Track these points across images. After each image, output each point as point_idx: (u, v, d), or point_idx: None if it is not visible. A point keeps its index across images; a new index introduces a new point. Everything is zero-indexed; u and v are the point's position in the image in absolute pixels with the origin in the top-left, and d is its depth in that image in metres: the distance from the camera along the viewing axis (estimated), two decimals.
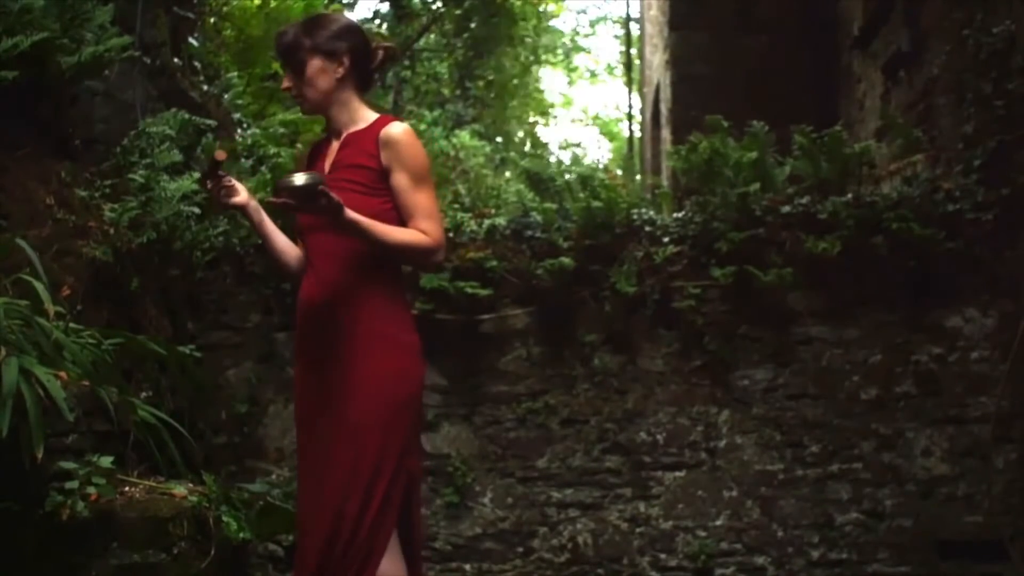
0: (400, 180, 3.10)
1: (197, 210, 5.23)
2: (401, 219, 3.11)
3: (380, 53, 3.29)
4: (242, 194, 3.27)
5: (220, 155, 3.18)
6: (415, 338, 3.18)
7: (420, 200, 3.10)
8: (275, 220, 3.41)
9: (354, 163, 3.14)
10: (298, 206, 2.91)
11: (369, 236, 3.01)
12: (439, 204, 3.21)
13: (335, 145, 3.23)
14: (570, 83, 21.76)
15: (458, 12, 13.38)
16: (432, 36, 13.72)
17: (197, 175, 5.19)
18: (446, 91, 14.44)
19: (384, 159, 3.11)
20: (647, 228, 5.61)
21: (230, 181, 3.24)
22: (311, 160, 3.32)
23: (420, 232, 3.08)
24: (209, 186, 3.22)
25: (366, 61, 3.25)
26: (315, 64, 3.16)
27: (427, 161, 3.18)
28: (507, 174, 12.30)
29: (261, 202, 3.35)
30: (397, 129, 3.13)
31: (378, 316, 3.11)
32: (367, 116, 3.22)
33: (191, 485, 3.92)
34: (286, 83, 3.23)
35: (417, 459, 3.21)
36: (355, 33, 3.25)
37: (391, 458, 3.02)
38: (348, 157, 3.17)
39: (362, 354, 3.06)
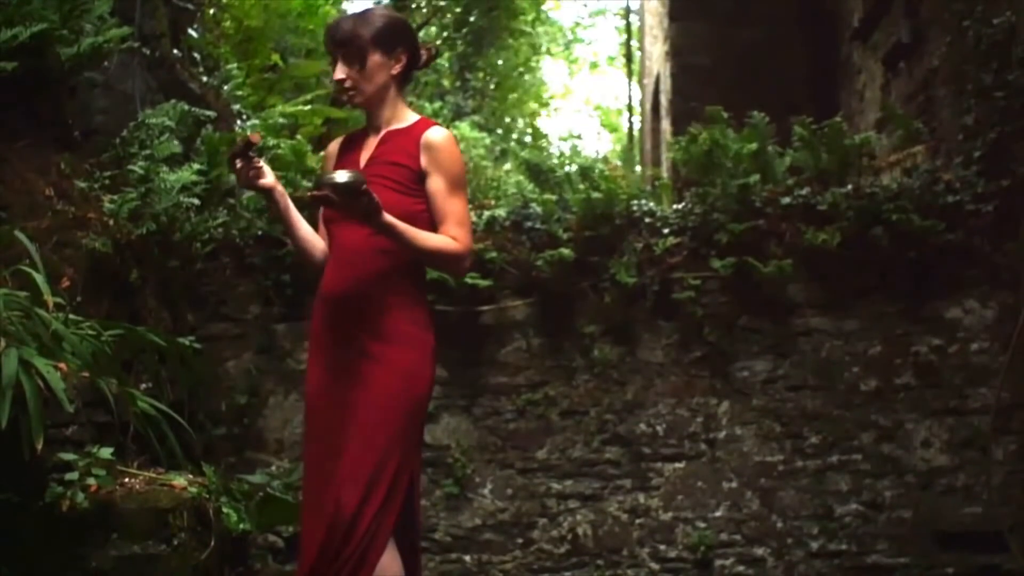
0: (436, 185, 3.13)
1: (196, 201, 5.23)
2: (432, 223, 3.14)
3: (425, 54, 3.34)
4: (269, 177, 3.27)
5: (255, 137, 3.20)
6: (431, 337, 3.20)
7: (454, 206, 3.13)
8: (301, 210, 3.41)
9: (392, 160, 3.16)
10: (339, 203, 2.91)
11: (402, 239, 3.03)
12: (470, 212, 3.24)
13: (373, 140, 3.25)
14: (570, 74, 21.74)
15: (458, 10, 13.36)
16: (432, 28, 13.69)
17: (196, 167, 5.19)
18: (446, 83, 14.41)
19: (424, 162, 3.14)
20: (647, 219, 5.61)
21: (259, 163, 3.24)
22: (344, 152, 3.33)
23: (450, 238, 3.11)
24: (237, 166, 3.22)
25: (415, 61, 3.29)
26: (376, 58, 3.18)
27: (464, 169, 3.23)
28: (507, 165, 12.28)
29: (293, 196, 3.35)
30: (440, 134, 3.18)
31: (397, 313, 3.12)
32: (408, 116, 3.26)
33: (191, 476, 3.93)
34: (339, 73, 3.19)
35: (419, 457, 3.23)
36: (410, 32, 3.33)
37: (396, 455, 3.03)
38: (386, 154, 3.18)
39: (378, 350, 3.08)
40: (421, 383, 3.15)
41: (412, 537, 3.19)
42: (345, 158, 3.29)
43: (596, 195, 5.53)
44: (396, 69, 3.21)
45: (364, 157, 3.22)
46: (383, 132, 3.24)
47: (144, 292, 5.05)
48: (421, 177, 3.14)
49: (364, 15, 3.25)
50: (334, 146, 3.42)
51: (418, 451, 3.21)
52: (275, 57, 7.98)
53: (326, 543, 2.99)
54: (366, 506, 2.97)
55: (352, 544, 2.96)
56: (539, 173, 6.06)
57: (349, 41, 3.18)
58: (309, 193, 3.01)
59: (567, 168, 5.99)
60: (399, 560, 3.07)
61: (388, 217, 2.97)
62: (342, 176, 2.91)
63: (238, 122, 6.64)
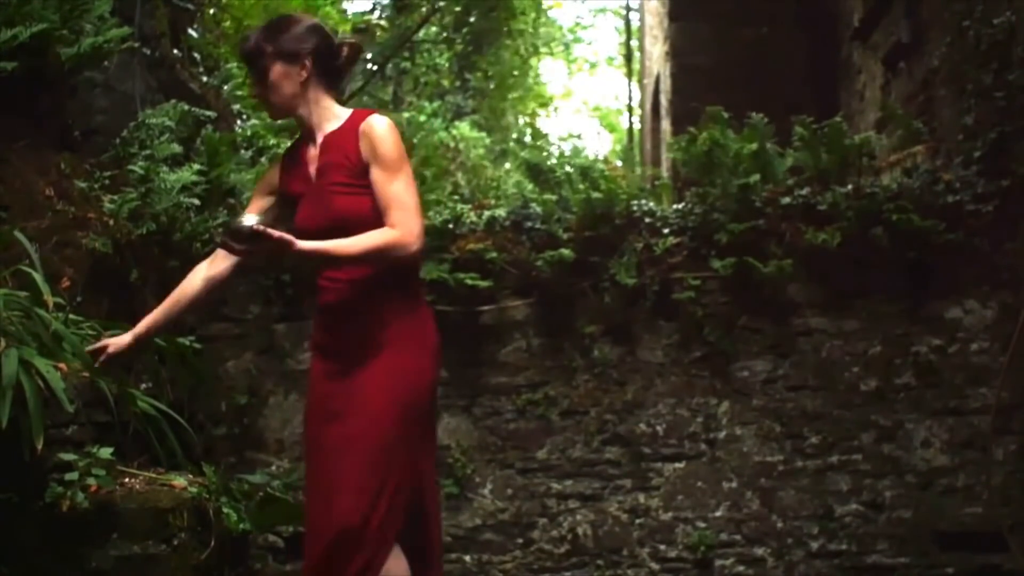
0: (376, 174, 3.07)
1: (196, 201, 5.23)
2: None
3: (344, 50, 3.27)
4: (112, 345, 3.40)
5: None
6: (431, 336, 3.17)
7: (393, 192, 3.04)
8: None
9: (337, 164, 3.11)
10: (244, 250, 2.88)
11: (330, 257, 2.99)
12: (416, 195, 3.11)
13: (314, 150, 3.20)
14: (570, 74, 21.74)
15: (457, 8, 13.35)
16: (432, 28, 13.69)
17: (197, 167, 5.19)
18: (446, 82, 14.41)
19: (364, 152, 3.08)
20: (647, 219, 5.61)
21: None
22: (288, 165, 3.28)
23: (388, 228, 3.02)
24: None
25: (330, 60, 3.22)
26: (277, 69, 3.14)
27: (402, 151, 3.11)
28: (507, 165, 12.30)
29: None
30: (372, 122, 3.11)
31: (393, 314, 3.09)
32: (340, 113, 3.21)
33: (191, 476, 3.92)
34: (253, 91, 3.22)
35: (429, 460, 3.19)
36: (316, 33, 3.22)
37: (399, 459, 3.00)
38: (331, 159, 3.14)
39: (376, 353, 3.06)
40: (422, 383, 3.11)
41: (428, 543, 3.16)
42: (292, 172, 3.25)
43: (596, 195, 5.53)
44: (303, 75, 3.15)
45: (313, 170, 3.18)
46: (322, 138, 3.18)
47: (144, 292, 5.04)
48: (365, 169, 3.08)
49: (267, 27, 3.23)
50: (276, 166, 3.38)
51: (428, 450, 3.17)
52: None
53: (331, 552, 2.96)
54: (371, 514, 2.94)
55: (358, 554, 2.93)
56: (539, 173, 6.05)
57: (251, 57, 3.17)
58: (219, 242, 2.98)
59: (567, 168, 5.98)
60: (404, 561, 3.05)
61: (305, 245, 2.92)
62: (235, 224, 2.88)
63: (238, 122, 6.65)
